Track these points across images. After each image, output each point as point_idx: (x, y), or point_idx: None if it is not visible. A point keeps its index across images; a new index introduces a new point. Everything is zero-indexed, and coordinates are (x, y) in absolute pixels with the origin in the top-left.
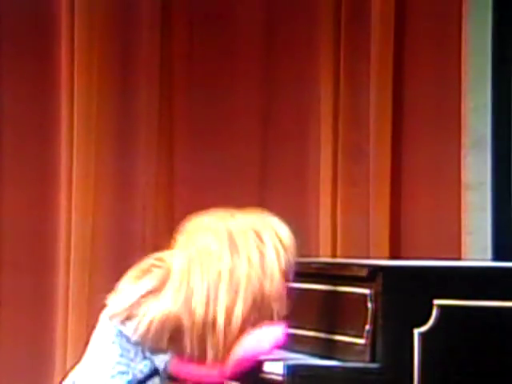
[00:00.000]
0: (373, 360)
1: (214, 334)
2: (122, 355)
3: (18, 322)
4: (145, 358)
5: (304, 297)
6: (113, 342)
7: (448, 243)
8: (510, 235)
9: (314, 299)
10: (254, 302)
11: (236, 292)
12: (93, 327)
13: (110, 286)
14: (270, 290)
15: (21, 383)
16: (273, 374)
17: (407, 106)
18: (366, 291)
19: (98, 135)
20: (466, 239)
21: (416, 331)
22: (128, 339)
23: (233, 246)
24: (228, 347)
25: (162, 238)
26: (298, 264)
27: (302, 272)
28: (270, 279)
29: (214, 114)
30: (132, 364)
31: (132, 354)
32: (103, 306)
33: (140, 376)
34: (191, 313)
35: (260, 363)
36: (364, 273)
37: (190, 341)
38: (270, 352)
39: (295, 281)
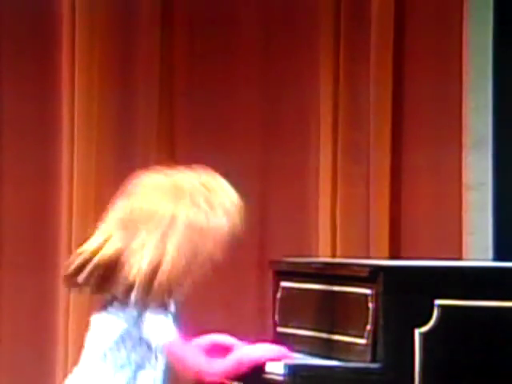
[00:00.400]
0: (374, 360)
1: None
2: (118, 350)
3: (18, 321)
4: (142, 342)
5: (304, 297)
6: (104, 345)
7: (449, 243)
8: (510, 235)
9: (315, 299)
10: (195, 243)
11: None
12: None
13: None
14: (214, 235)
15: (22, 383)
16: (273, 374)
17: (408, 106)
18: (367, 291)
19: (98, 135)
20: (467, 239)
21: (417, 331)
22: (121, 335)
23: (179, 193)
24: (171, 287)
25: None
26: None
27: (303, 272)
28: (215, 229)
29: (214, 114)
30: (132, 355)
31: (129, 345)
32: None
33: (140, 361)
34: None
35: (261, 368)
36: (365, 273)
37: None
38: (265, 360)
39: (296, 281)
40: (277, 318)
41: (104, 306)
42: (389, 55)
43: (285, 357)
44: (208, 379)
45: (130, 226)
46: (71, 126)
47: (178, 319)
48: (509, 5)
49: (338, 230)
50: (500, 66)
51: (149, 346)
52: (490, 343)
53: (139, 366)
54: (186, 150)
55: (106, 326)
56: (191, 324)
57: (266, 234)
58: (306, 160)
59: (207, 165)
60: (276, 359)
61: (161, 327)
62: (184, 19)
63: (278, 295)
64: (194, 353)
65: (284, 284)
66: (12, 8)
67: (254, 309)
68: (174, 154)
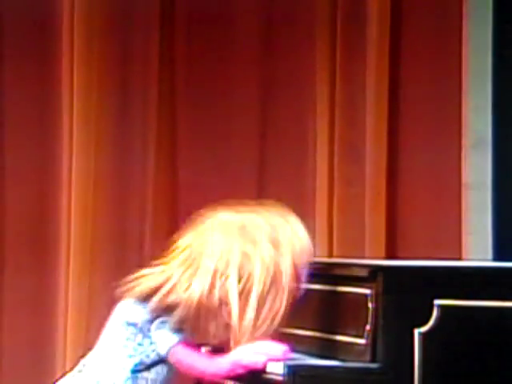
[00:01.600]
0: (373, 360)
1: (227, 317)
2: (128, 339)
3: (18, 321)
4: (152, 343)
5: (304, 297)
6: (120, 328)
7: (449, 243)
8: (510, 235)
9: (315, 299)
10: (266, 291)
11: (249, 280)
12: (93, 327)
13: (109, 285)
14: (283, 283)
15: (21, 383)
16: (273, 374)
17: (406, 105)
18: (367, 291)
19: (97, 135)
20: (467, 239)
21: (416, 331)
22: (136, 325)
23: (247, 236)
24: (242, 333)
25: (162, 238)
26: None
27: None
28: (283, 273)
29: (212, 113)
30: (140, 349)
31: (140, 338)
32: (120, 297)
33: (147, 361)
34: (209, 297)
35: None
36: (365, 273)
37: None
38: (263, 366)
39: None
40: None
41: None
42: (386, 55)
43: (286, 356)
44: (212, 379)
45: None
46: (70, 126)
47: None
48: (508, 4)
49: (335, 230)
50: (500, 66)
51: (154, 349)
52: (489, 343)
53: (141, 363)
54: (185, 151)
55: (131, 312)
56: None
57: None
58: (302, 160)
59: (206, 165)
60: (280, 359)
61: (166, 333)
62: (183, 18)
63: None
64: (198, 354)
65: None
66: (12, 8)
67: None
68: (172, 154)
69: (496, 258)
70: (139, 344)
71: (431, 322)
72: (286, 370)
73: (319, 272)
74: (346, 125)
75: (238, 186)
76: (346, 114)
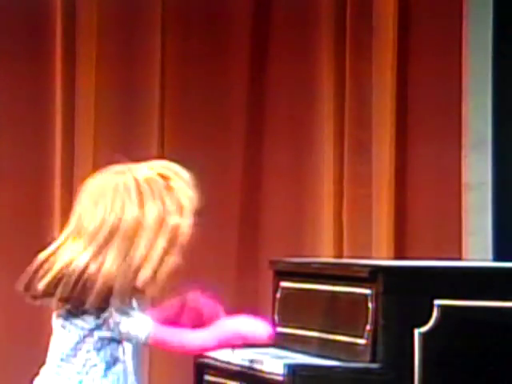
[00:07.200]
0: (373, 360)
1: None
2: (88, 351)
3: (12, 321)
4: (115, 340)
5: (304, 297)
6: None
7: (449, 243)
8: (510, 235)
9: (315, 299)
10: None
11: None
12: None
13: None
14: (182, 221)
15: (18, 381)
16: (273, 374)
17: (410, 106)
18: (367, 291)
19: (96, 134)
20: (467, 239)
21: (416, 331)
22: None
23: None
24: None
25: None
26: (294, 263)
27: (302, 272)
28: (180, 212)
29: (215, 113)
30: (101, 353)
31: (99, 345)
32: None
33: (109, 359)
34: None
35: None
36: (365, 273)
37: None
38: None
39: (295, 281)
40: (276, 318)
41: (61, 314)
42: (392, 55)
43: (270, 334)
44: (200, 352)
45: (90, 235)
46: (68, 125)
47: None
48: (509, 4)
49: (345, 231)
50: (500, 66)
51: (118, 343)
52: (489, 343)
53: (109, 364)
54: (184, 151)
55: (67, 333)
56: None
57: (267, 234)
58: (309, 160)
59: (208, 165)
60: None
61: (137, 322)
62: (182, 18)
63: (278, 295)
64: (175, 333)
65: (284, 284)
66: (7, 7)
67: (253, 309)
68: (171, 153)
69: (496, 258)
70: (99, 350)
71: (431, 322)
72: (286, 369)
73: (319, 272)
74: (352, 126)
75: (239, 186)
76: (352, 115)
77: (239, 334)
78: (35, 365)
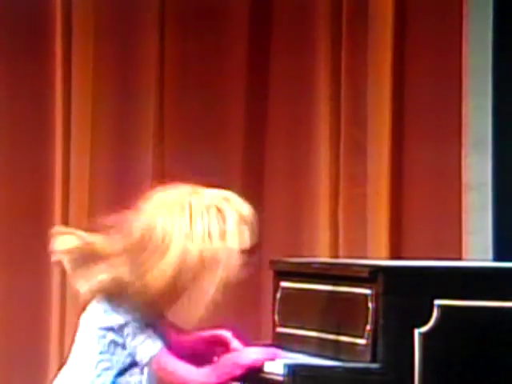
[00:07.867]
0: (373, 360)
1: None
2: (102, 352)
3: (12, 320)
4: (125, 348)
5: (304, 297)
6: (93, 342)
7: (449, 243)
8: (510, 235)
9: (315, 299)
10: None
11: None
12: None
13: None
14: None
15: (16, 380)
16: (273, 374)
17: (407, 105)
18: (367, 291)
19: (93, 135)
20: (467, 239)
21: (417, 331)
22: (111, 330)
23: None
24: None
25: None
26: (294, 263)
27: (302, 272)
28: (229, 251)
29: (209, 113)
30: (114, 358)
31: (112, 348)
32: (82, 309)
33: (121, 366)
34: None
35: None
36: (365, 273)
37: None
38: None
39: (296, 281)
40: (276, 318)
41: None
42: (388, 54)
43: (277, 357)
44: None
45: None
46: (66, 125)
47: (164, 336)
48: (508, 4)
49: (341, 230)
50: (500, 66)
51: (132, 357)
52: (489, 343)
53: (119, 373)
54: (183, 151)
55: (103, 319)
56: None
57: (265, 234)
58: (305, 160)
59: (205, 165)
60: (269, 360)
61: (146, 340)
62: (180, 17)
63: (278, 295)
64: (179, 365)
65: (284, 284)
66: (7, 5)
67: (253, 309)
68: (170, 153)
69: (496, 258)
70: (112, 354)
71: (431, 322)
72: (286, 369)
73: (319, 272)
74: (348, 125)
75: (240, 186)
76: (348, 114)
77: (237, 364)
78: (35, 365)
